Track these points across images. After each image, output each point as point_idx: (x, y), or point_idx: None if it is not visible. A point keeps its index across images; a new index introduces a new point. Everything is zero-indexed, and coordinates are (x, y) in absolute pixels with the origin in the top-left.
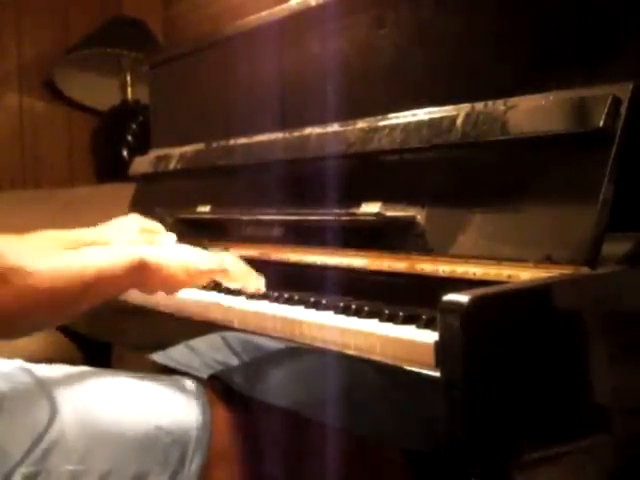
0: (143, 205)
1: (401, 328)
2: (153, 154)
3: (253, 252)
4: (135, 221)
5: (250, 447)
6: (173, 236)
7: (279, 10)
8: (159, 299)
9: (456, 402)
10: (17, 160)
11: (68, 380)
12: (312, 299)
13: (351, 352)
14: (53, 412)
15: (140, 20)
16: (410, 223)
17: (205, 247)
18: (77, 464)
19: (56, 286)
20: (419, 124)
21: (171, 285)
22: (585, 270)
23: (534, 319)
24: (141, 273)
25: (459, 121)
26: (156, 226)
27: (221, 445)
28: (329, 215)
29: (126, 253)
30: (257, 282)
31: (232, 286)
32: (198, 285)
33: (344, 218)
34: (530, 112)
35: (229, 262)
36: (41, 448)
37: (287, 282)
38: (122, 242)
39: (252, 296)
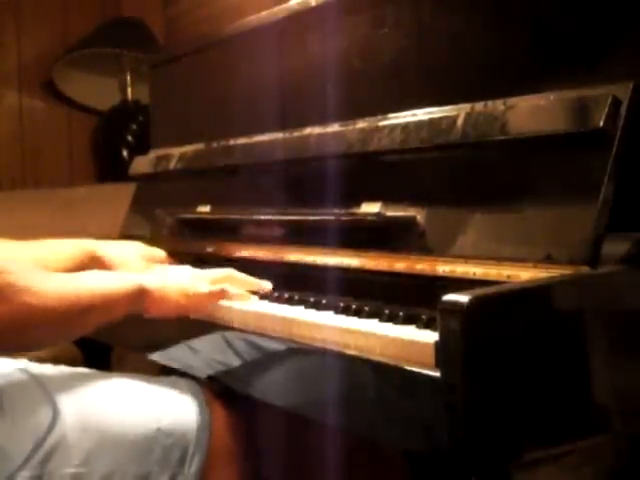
0: (143, 205)
1: (401, 328)
2: (153, 154)
3: (253, 252)
4: (139, 248)
5: (249, 447)
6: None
7: (279, 10)
8: None
9: (456, 402)
10: (17, 160)
11: (69, 382)
12: (312, 299)
13: (351, 352)
14: (55, 415)
15: (140, 20)
16: (410, 223)
17: (205, 250)
18: (78, 467)
19: (52, 305)
20: (419, 124)
21: (170, 310)
22: (585, 270)
23: (534, 319)
24: (140, 300)
25: (459, 121)
26: (159, 253)
27: (220, 445)
28: (329, 215)
29: (126, 279)
30: (262, 286)
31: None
32: (198, 309)
33: (344, 218)
34: (530, 112)
35: (229, 282)
36: (43, 451)
37: (287, 282)
38: (120, 263)
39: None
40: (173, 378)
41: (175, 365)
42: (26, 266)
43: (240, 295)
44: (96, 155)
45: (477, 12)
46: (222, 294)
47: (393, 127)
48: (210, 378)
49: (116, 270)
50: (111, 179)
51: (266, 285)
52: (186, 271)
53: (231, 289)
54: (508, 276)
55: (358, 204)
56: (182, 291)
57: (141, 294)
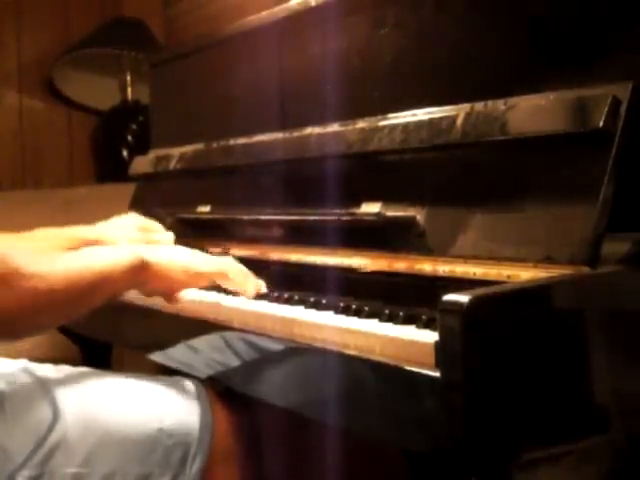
0: (143, 205)
1: (401, 328)
2: (153, 154)
3: (253, 252)
4: (133, 220)
5: (250, 447)
6: (171, 235)
7: (279, 10)
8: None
9: (456, 402)
10: (17, 160)
11: (70, 382)
12: (312, 299)
13: (351, 352)
14: (56, 414)
15: (140, 20)
16: (410, 223)
17: (205, 249)
18: (80, 467)
19: (57, 288)
20: (419, 124)
21: (171, 285)
22: (585, 270)
23: (534, 319)
24: (142, 273)
25: (459, 121)
26: (154, 225)
27: (222, 446)
28: (329, 215)
29: (127, 253)
30: (256, 285)
31: (231, 288)
32: (197, 286)
33: (344, 218)
34: (530, 112)
35: (229, 265)
36: (44, 450)
37: (287, 282)
38: (121, 241)
39: None
40: (177, 378)
41: (175, 365)
42: (28, 251)
43: (238, 283)
44: (96, 155)
45: (477, 12)
46: (222, 276)
47: (393, 127)
48: (210, 378)
49: None
50: (111, 179)
51: (261, 285)
52: (188, 250)
53: (231, 274)
54: (508, 276)
55: (358, 204)
56: (184, 267)
57: (142, 267)
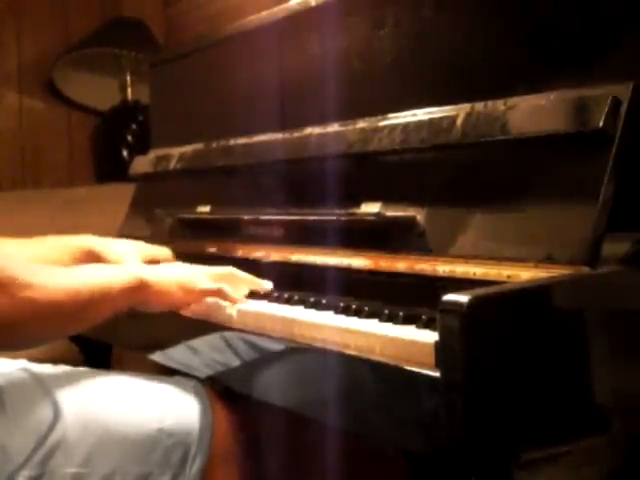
0: (143, 205)
1: (401, 328)
2: (153, 154)
3: (253, 252)
4: (139, 246)
5: (250, 448)
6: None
7: (279, 10)
8: None
9: (456, 402)
10: (17, 160)
11: (71, 382)
12: (312, 299)
13: (351, 352)
14: (56, 414)
15: (140, 20)
16: (410, 223)
17: (205, 250)
18: (80, 466)
19: (55, 300)
20: (419, 124)
21: (171, 303)
22: (585, 270)
23: (534, 319)
24: (140, 292)
25: (459, 121)
26: (163, 252)
27: (222, 446)
28: (329, 215)
29: (126, 272)
30: (263, 285)
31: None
32: (197, 302)
33: (344, 218)
34: (530, 112)
35: (230, 277)
36: (44, 450)
37: (287, 282)
38: (126, 257)
39: (252, 296)
40: (177, 378)
41: (175, 365)
42: (25, 262)
43: (235, 298)
44: (96, 155)
45: (477, 12)
46: (219, 292)
47: (393, 127)
48: (210, 378)
49: None
50: (111, 179)
51: (266, 285)
52: (186, 266)
53: (228, 289)
54: (508, 276)
55: (358, 204)
56: (181, 285)
57: (140, 286)
